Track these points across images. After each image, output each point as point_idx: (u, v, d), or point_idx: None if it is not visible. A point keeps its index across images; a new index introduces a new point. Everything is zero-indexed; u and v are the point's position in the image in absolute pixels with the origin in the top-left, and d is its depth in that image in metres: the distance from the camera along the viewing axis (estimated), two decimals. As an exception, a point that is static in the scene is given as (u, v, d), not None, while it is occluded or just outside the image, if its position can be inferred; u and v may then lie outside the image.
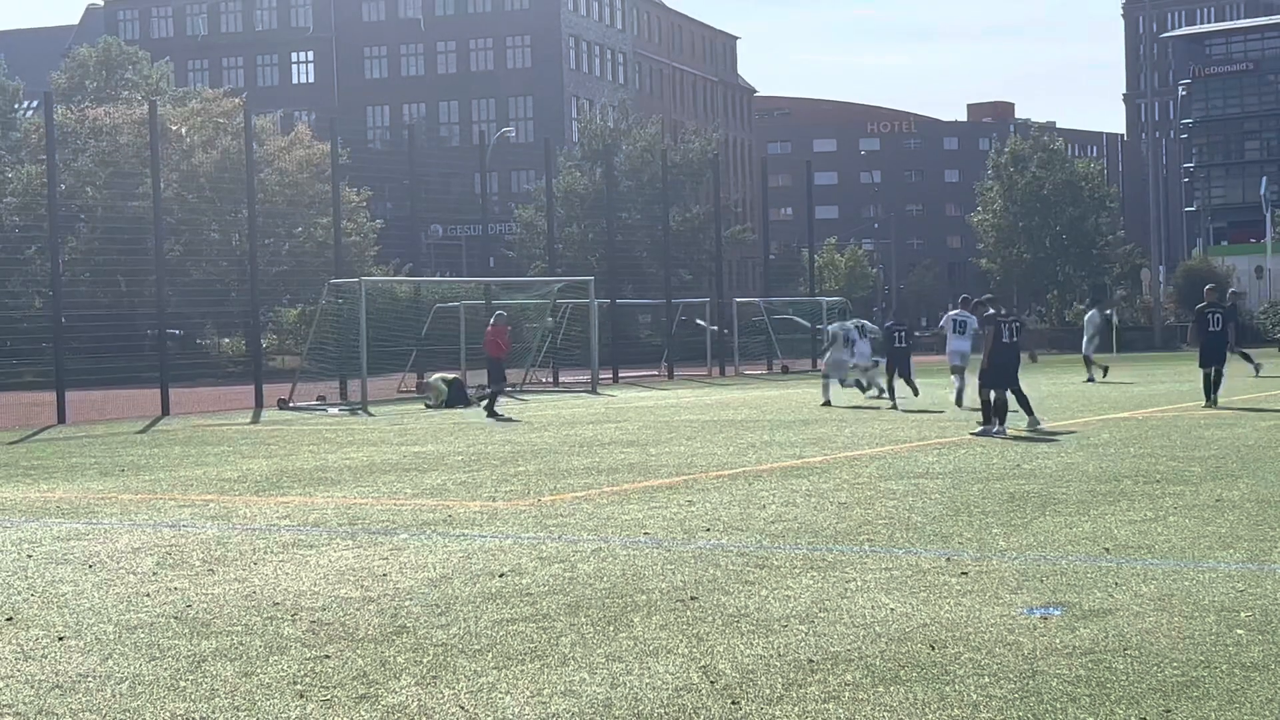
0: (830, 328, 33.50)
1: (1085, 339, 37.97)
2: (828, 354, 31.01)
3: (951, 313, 27.87)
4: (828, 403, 28.81)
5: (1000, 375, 20.82)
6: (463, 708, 6.77)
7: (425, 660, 7.71)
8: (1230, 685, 6.76)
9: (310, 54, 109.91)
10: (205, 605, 9.35)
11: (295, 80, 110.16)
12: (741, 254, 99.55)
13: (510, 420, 27.89)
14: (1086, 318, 39.63)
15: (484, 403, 29.68)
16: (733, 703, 6.72)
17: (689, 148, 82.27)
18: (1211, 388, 25.97)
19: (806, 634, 8.07)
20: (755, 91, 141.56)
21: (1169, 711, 6.38)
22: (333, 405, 35.18)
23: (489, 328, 31.37)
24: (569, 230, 74.58)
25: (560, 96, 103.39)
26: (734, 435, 22.25)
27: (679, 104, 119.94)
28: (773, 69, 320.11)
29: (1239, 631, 7.82)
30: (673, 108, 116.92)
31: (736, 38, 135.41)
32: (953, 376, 27.41)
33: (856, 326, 32.74)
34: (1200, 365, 26.47)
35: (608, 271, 52.11)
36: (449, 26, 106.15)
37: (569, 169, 78.50)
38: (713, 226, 61.66)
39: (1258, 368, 35.23)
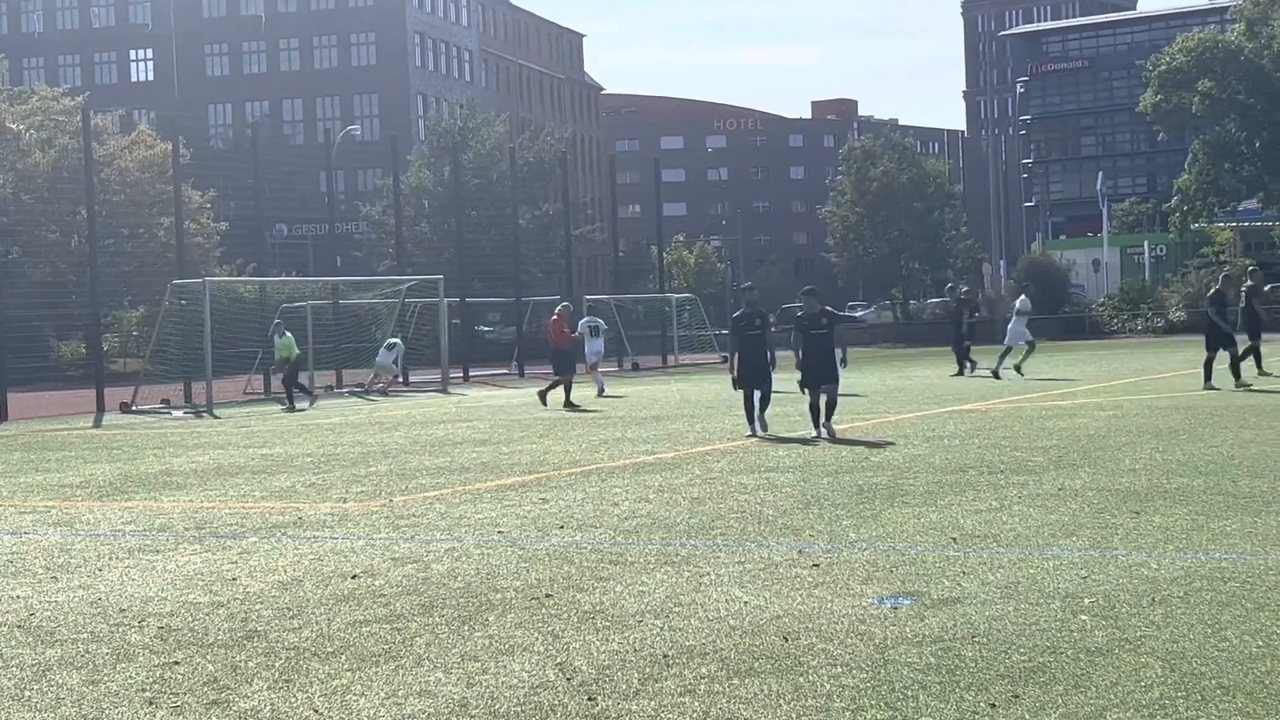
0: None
1: (1011, 329, 35.53)
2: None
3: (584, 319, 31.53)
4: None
5: (809, 373, 19.59)
6: (316, 710, 6.70)
7: (277, 664, 7.62)
8: (1076, 670, 6.91)
9: (149, 51, 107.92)
10: (49, 613, 9.15)
11: (135, 78, 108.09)
12: (591, 252, 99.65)
13: (579, 409, 28.17)
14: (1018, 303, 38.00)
15: (542, 392, 30.07)
16: (589, 699, 6.72)
17: (538, 146, 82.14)
18: (1238, 366, 26.61)
19: (661, 629, 8.10)
20: (602, 89, 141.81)
21: (1017, 696, 6.50)
22: (177, 408, 34.62)
23: (552, 319, 31.63)
24: (418, 229, 74.10)
25: (406, 94, 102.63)
26: (586, 432, 22.27)
27: (526, 102, 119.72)
28: (620, 67, 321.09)
29: (1083, 617, 7.98)
30: (520, 105, 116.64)
31: (583, 35, 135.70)
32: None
33: (590, 327, 34.73)
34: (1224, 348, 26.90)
35: (457, 270, 51.87)
36: (292, 23, 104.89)
37: (417, 167, 78.00)
38: (562, 224, 61.64)
39: (973, 365, 35.15)
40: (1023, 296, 36.14)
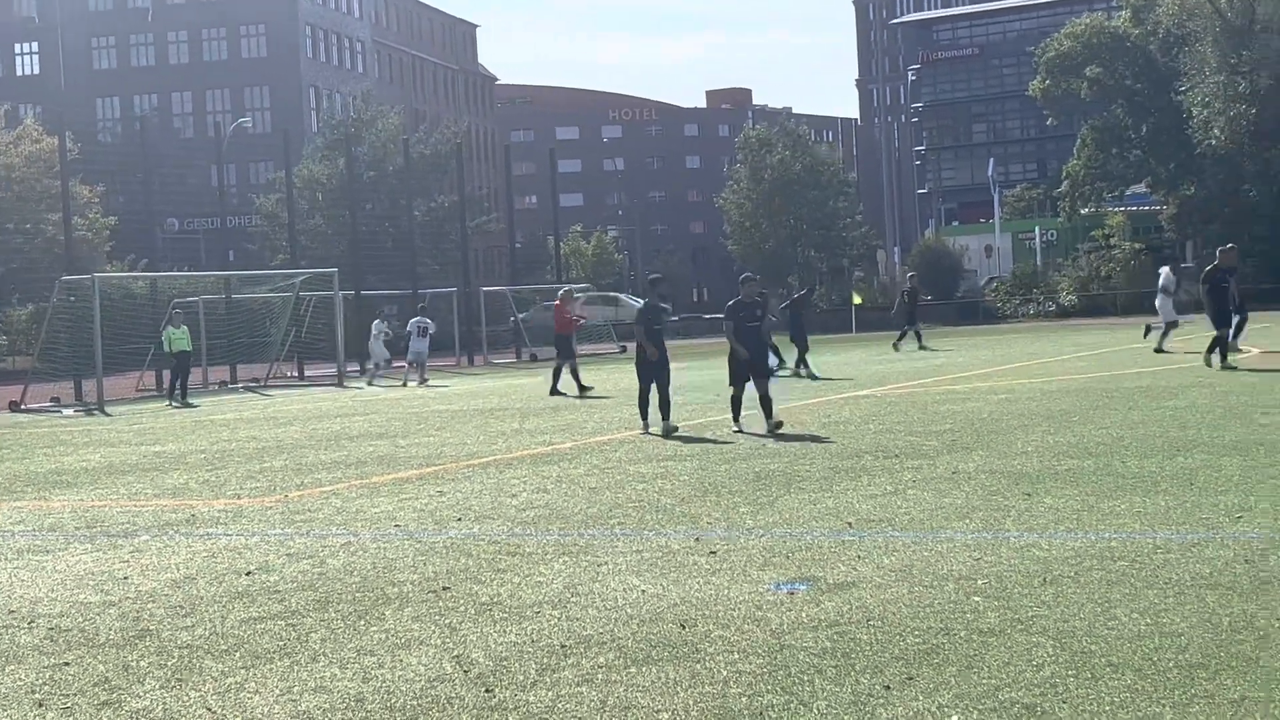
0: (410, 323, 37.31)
1: (1160, 306, 33.45)
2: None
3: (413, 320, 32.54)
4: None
5: (741, 366, 18.85)
6: (210, 709, 6.63)
7: (170, 663, 7.53)
8: (968, 651, 6.98)
9: (35, 44, 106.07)
10: (-65, 617, 8.98)
11: (20, 72, 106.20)
12: (488, 243, 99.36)
13: (563, 394, 28.14)
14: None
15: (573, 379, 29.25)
16: (486, 691, 6.70)
17: (432, 138, 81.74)
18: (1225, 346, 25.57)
19: (559, 619, 8.09)
20: (497, 80, 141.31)
21: (911, 678, 6.55)
22: (67, 406, 34.13)
23: (555, 303, 30.91)
24: (312, 222, 73.50)
25: (298, 86, 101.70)
26: (484, 424, 22.20)
27: (420, 93, 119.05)
28: (514, 57, 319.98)
29: (976, 599, 8.07)
30: (414, 97, 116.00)
31: (476, 25, 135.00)
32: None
33: (419, 327, 35.65)
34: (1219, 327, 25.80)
35: (352, 263, 51.50)
36: (180, 15, 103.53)
37: (310, 159, 77.36)
38: (458, 216, 61.37)
39: (780, 363, 30.96)
40: (1165, 270, 33.77)
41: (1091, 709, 6.01)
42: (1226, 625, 7.26)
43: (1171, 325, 32.43)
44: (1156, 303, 33.43)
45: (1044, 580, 8.46)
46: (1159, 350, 31.10)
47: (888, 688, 6.43)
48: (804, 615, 7.88)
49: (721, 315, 20.36)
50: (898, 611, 7.86)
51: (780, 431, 17.90)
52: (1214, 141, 73.43)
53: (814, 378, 29.38)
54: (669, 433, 18.55)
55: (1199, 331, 30.21)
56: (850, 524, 10.82)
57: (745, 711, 6.20)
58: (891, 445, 15.84)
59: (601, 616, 8.10)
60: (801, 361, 30.79)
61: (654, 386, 19.40)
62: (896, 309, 44.99)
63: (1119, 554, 9.12)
